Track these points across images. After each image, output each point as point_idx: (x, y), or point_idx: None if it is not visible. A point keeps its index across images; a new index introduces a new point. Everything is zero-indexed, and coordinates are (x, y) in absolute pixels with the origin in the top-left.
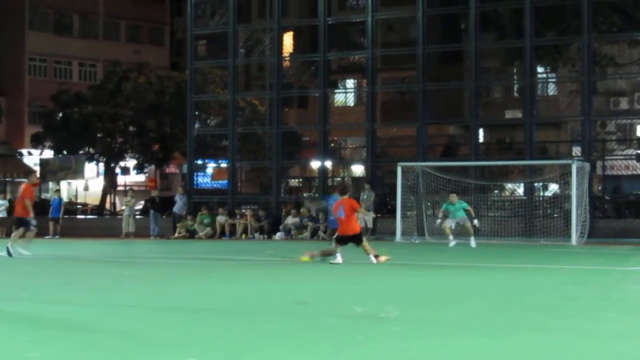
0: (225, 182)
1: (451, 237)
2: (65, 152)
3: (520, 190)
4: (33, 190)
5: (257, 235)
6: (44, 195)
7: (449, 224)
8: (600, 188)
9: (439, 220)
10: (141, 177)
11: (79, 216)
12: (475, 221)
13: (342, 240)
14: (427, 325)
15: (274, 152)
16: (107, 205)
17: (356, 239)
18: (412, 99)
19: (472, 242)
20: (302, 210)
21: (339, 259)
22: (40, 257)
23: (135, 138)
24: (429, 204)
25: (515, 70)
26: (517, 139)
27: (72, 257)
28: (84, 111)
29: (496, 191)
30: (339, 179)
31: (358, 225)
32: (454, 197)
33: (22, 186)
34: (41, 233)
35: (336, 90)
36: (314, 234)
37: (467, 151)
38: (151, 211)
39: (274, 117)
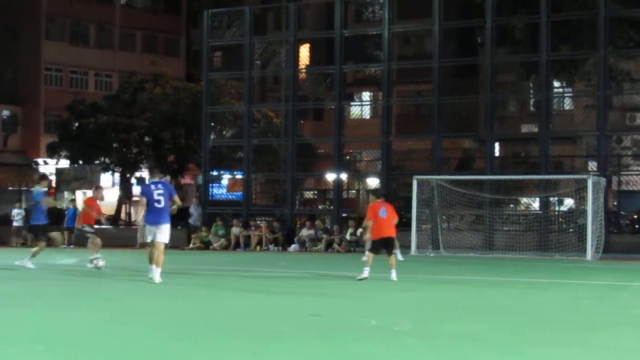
0: (240, 193)
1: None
2: (80, 162)
3: (535, 204)
4: (93, 201)
5: (271, 247)
6: (59, 205)
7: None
8: (615, 203)
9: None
10: None
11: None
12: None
13: (377, 246)
14: (440, 339)
15: (289, 164)
16: (122, 216)
17: (391, 243)
18: (428, 112)
19: (399, 255)
20: (316, 222)
21: (365, 273)
22: (55, 267)
23: (151, 149)
24: (444, 217)
25: (531, 85)
26: (532, 153)
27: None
28: (99, 121)
29: (511, 205)
30: (353, 191)
31: (395, 230)
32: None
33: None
34: (55, 243)
35: (352, 103)
36: (328, 246)
37: (482, 165)
38: None
39: (289, 129)
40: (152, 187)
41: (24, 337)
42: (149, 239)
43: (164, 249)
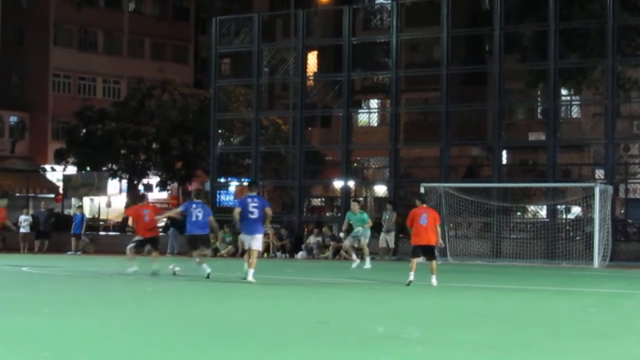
0: None
1: (354, 257)
2: (88, 169)
3: (542, 212)
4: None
5: (278, 254)
6: (66, 212)
7: (350, 242)
8: (622, 211)
9: (342, 234)
10: (164, 195)
11: (101, 232)
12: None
13: (416, 252)
14: (449, 347)
15: (297, 171)
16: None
17: (431, 251)
18: (436, 119)
19: (367, 263)
20: (324, 229)
21: (410, 277)
22: (62, 273)
23: (158, 155)
24: (451, 225)
25: (539, 92)
26: (540, 161)
27: (94, 273)
28: (107, 128)
29: (518, 213)
30: (361, 198)
31: (435, 238)
32: (355, 206)
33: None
34: (63, 249)
35: (360, 110)
36: (336, 253)
37: (489, 173)
38: (171, 229)
39: (297, 136)
40: (249, 200)
41: (30, 344)
42: (246, 247)
43: (257, 255)
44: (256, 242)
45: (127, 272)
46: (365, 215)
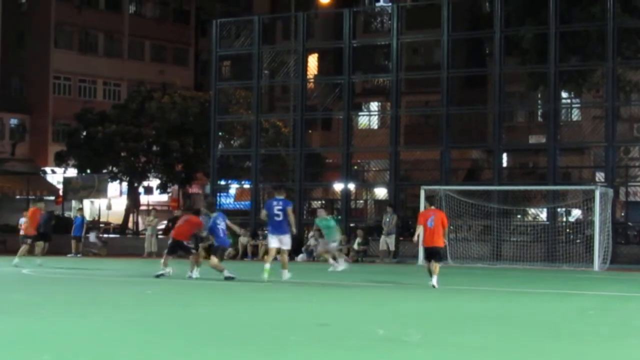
0: (248, 203)
1: (331, 261)
2: (88, 171)
3: (543, 215)
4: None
5: (279, 256)
6: (67, 214)
7: (323, 248)
8: (623, 214)
9: (312, 241)
10: (164, 197)
11: (101, 235)
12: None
13: (425, 254)
14: (449, 349)
15: (297, 174)
16: (130, 225)
17: (436, 253)
18: (436, 122)
19: (338, 266)
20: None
21: (434, 281)
22: (63, 276)
23: (159, 158)
24: (451, 227)
25: (539, 95)
26: (540, 164)
27: (94, 275)
28: (107, 130)
29: (519, 216)
30: (361, 201)
31: (441, 240)
32: (321, 212)
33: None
34: (63, 252)
35: (360, 113)
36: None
37: (490, 175)
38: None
39: (297, 139)
40: (274, 203)
41: (30, 346)
42: (273, 246)
43: (287, 254)
44: (285, 243)
45: (165, 274)
46: (332, 222)
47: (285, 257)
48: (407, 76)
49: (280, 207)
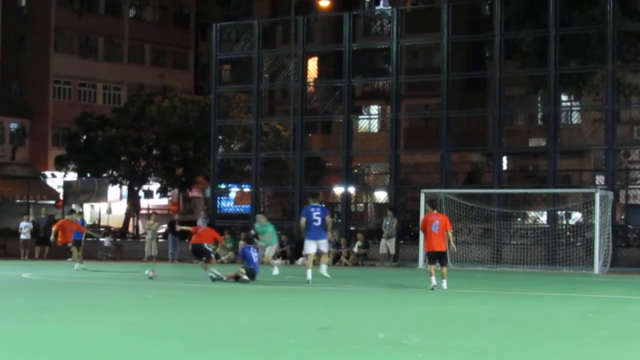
0: (248, 206)
1: (275, 263)
2: (88, 175)
3: (543, 218)
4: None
5: (279, 260)
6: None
7: (269, 253)
8: (623, 217)
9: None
10: (164, 201)
11: (101, 239)
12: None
13: (431, 258)
14: (449, 352)
15: (297, 178)
16: (130, 229)
17: (443, 257)
18: (436, 125)
19: (275, 270)
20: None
21: (433, 281)
22: (62, 280)
23: (159, 162)
24: (452, 231)
25: (539, 98)
26: (540, 167)
27: (94, 279)
28: (107, 134)
29: (519, 219)
30: (361, 204)
31: (445, 244)
32: (260, 218)
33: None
34: (63, 256)
35: (360, 116)
36: (336, 259)
37: (490, 179)
38: (170, 235)
39: (297, 143)
40: (312, 209)
41: (31, 351)
42: (311, 251)
43: (327, 254)
44: (323, 246)
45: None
46: (271, 228)
47: (326, 257)
48: (407, 79)
49: (318, 214)
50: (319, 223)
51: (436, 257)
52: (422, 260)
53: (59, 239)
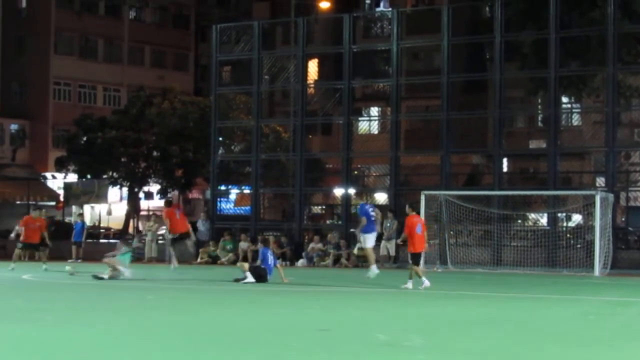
0: (248, 208)
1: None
2: (88, 176)
3: (543, 220)
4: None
5: (279, 261)
6: (67, 219)
7: (109, 260)
8: (623, 219)
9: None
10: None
11: (101, 240)
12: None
13: (418, 259)
14: (450, 354)
15: (297, 179)
16: (130, 230)
17: (417, 257)
18: (436, 127)
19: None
20: (329, 236)
21: (426, 283)
22: (63, 281)
23: (159, 163)
24: (452, 232)
25: (539, 100)
26: (540, 169)
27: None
28: (107, 136)
29: (519, 221)
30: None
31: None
32: (121, 246)
33: None
34: (64, 257)
35: (360, 118)
36: (336, 261)
37: (490, 180)
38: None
39: (297, 144)
40: (370, 208)
41: (34, 352)
42: (369, 245)
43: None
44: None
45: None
46: (130, 253)
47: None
48: (407, 81)
49: (373, 209)
50: (374, 218)
51: (419, 257)
52: (422, 262)
53: (21, 238)
